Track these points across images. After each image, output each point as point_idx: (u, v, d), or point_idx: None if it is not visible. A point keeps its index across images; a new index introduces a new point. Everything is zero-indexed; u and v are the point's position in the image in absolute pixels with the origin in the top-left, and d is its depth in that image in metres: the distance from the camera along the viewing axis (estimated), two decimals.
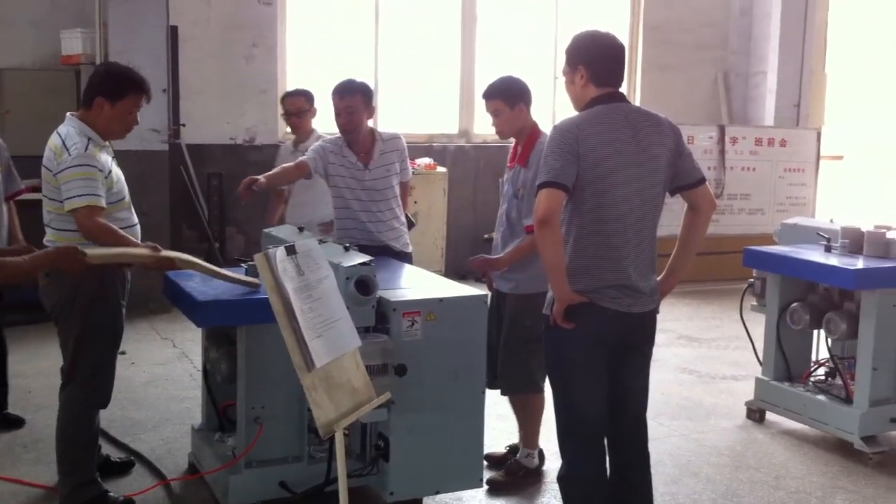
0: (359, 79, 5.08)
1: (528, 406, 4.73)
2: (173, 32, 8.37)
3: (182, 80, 8.56)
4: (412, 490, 4.07)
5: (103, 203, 3.98)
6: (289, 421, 4.12)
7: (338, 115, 4.96)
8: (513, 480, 4.66)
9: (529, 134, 4.52)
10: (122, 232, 4.02)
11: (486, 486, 4.49)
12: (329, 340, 3.14)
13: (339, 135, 5.06)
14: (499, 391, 4.70)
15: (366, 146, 5.03)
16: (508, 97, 4.48)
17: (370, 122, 5.16)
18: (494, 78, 4.61)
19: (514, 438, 4.97)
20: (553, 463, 4.58)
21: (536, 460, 4.76)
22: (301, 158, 5.16)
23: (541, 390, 4.62)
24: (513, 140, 4.67)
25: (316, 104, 6.46)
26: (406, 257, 5.12)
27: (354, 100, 4.94)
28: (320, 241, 3.89)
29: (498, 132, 4.59)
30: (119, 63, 4.55)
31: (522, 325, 4.44)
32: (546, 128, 4.06)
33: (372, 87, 5.26)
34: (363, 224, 5.02)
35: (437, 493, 4.25)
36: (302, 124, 6.39)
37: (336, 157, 5.01)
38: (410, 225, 5.30)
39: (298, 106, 6.38)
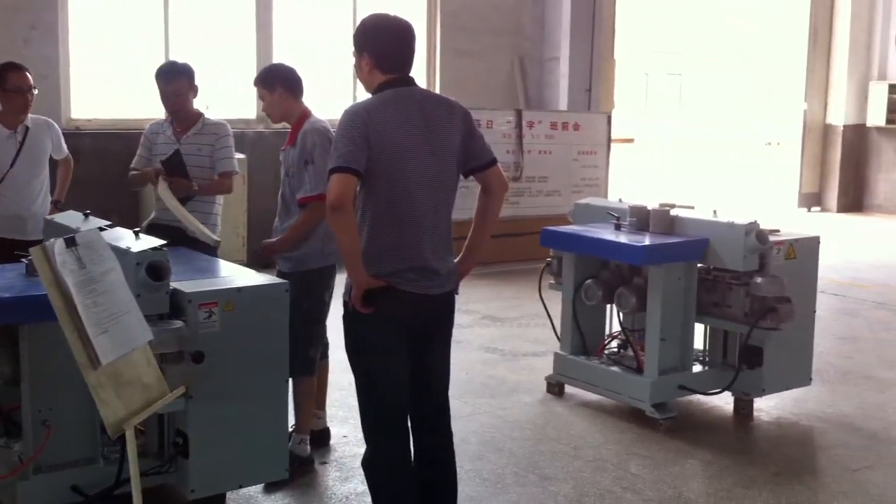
0: (181, 60, 5.24)
1: (295, 390, 4.57)
2: None
3: None
4: (214, 486, 3.97)
5: None
6: (80, 422, 3.91)
7: (166, 98, 5.07)
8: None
9: (299, 117, 4.68)
10: None
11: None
12: (116, 336, 3.00)
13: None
14: None
15: (187, 125, 5.12)
16: (266, 83, 4.69)
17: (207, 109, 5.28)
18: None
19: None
20: (359, 448, 4.58)
21: (308, 448, 4.69)
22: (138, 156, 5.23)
23: (310, 374, 4.62)
24: None
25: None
26: (210, 251, 4.96)
27: (180, 83, 5.07)
28: (106, 228, 3.71)
29: (267, 116, 4.83)
30: None
31: (300, 307, 4.31)
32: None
33: None
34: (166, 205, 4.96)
35: (241, 486, 4.16)
36: (31, 102, 5.52)
37: (159, 137, 5.17)
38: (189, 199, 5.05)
39: (28, 82, 5.47)
